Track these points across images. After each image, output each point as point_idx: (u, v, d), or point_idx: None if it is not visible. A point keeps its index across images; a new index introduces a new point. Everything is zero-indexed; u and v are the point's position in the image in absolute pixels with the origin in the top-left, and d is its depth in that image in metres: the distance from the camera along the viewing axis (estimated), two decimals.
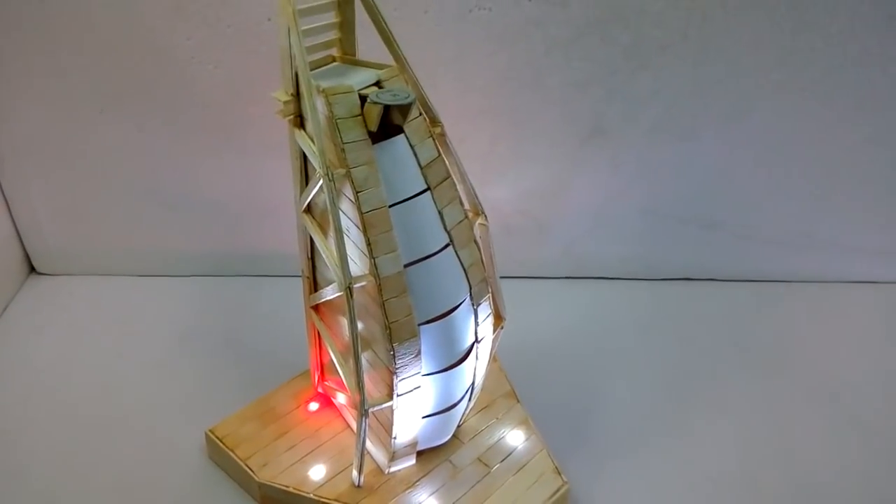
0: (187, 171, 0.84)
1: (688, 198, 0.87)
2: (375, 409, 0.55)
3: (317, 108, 0.50)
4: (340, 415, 0.68)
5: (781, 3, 0.72)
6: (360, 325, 0.57)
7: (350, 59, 0.56)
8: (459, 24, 0.73)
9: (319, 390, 0.70)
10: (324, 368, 0.69)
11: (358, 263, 0.53)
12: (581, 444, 0.70)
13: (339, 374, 0.63)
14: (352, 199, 0.51)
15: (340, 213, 0.52)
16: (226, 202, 0.86)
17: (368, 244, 0.51)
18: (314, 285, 0.63)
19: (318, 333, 0.66)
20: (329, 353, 0.65)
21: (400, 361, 0.53)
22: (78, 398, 0.75)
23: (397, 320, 0.52)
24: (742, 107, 0.79)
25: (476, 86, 0.78)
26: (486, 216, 0.59)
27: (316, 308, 0.64)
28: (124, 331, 0.84)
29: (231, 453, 0.64)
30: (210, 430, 0.66)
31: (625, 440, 0.71)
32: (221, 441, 0.65)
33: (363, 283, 0.52)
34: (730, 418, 0.73)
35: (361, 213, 0.51)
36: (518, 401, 0.70)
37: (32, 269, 0.93)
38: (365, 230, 0.51)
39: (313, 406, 0.69)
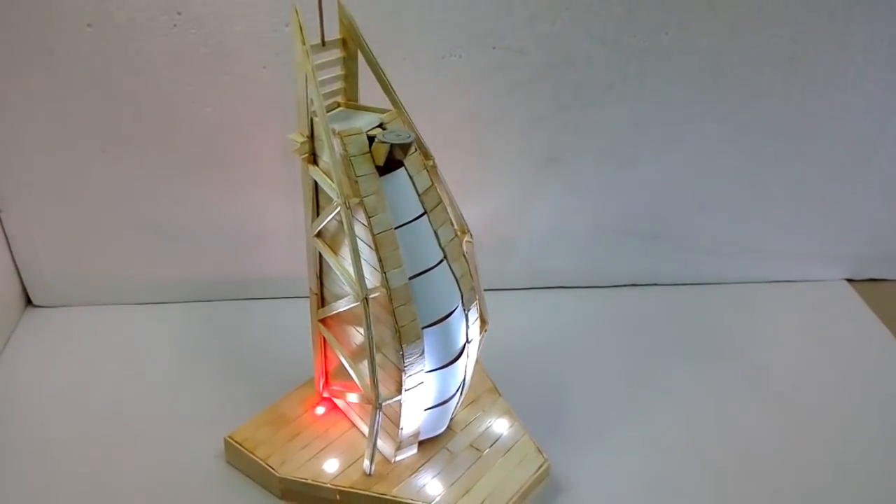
0: (182, 203, 0.91)
1: (631, 214, 0.99)
2: (387, 402, 0.64)
3: (334, 148, 0.59)
4: (345, 416, 0.76)
5: (701, 48, 0.85)
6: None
7: (353, 104, 0.66)
8: (433, 69, 0.84)
9: (324, 395, 0.78)
10: (328, 375, 0.77)
11: (369, 278, 0.63)
12: (554, 429, 0.80)
13: (348, 377, 0.72)
14: (364, 223, 0.60)
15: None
16: (218, 232, 0.93)
17: (380, 260, 0.60)
18: (322, 301, 0.72)
19: (325, 343, 0.75)
20: (338, 360, 0.74)
21: (408, 360, 0.63)
22: (93, 420, 0.80)
23: (405, 325, 0.62)
24: (673, 135, 0.92)
25: (446, 122, 0.88)
26: (471, 234, 0.69)
27: (322, 321, 0.72)
28: (127, 356, 0.89)
29: (251, 455, 0.72)
30: (230, 436, 0.74)
31: (591, 424, 0.81)
32: (241, 445, 0.73)
33: (376, 294, 0.61)
34: (677, 401, 0.85)
35: (374, 235, 0.60)
36: (500, 395, 0.80)
37: (29, 302, 0.98)
38: (377, 249, 0.60)
39: (320, 410, 0.77)
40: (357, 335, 0.68)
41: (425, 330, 0.63)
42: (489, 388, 0.80)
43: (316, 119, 0.61)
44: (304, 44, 0.58)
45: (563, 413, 0.83)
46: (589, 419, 0.82)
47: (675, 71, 0.86)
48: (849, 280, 1.07)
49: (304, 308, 0.97)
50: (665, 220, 1.00)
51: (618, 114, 0.89)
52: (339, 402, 0.77)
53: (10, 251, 0.93)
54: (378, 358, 0.66)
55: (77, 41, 0.78)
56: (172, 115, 0.84)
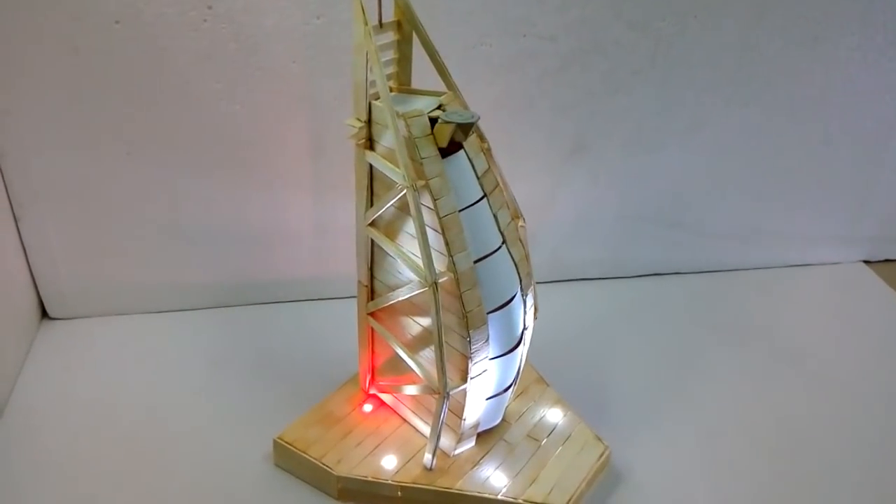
0: (206, 205, 0.88)
1: (654, 202, 0.99)
2: (455, 391, 0.63)
3: (399, 130, 0.58)
4: (395, 412, 0.74)
5: (728, 30, 0.86)
6: (427, 321, 0.65)
7: (406, 88, 0.65)
8: (463, 59, 0.83)
9: (371, 392, 0.76)
10: (375, 371, 0.75)
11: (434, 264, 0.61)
12: (601, 417, 0.79)
13: (399, 371, 0.70)
14: (430, 206, 0.59)
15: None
16: (243, 234, 0.91)
17: (447, 244, 0.59)
18: (371, 293, 0.70)
19: (372, 338, 0.73)
20: (386, 355, 0.72)
21: (474, 347, 0.61)
22: (129, 433, 0.77)
23: (472, 310, 0.61)
24: (698, 120, 0.93)
25: (476, 111, 0.87)
26: (523, 219, 0.69)
27: (371, 314, 0.71)
28: (156, 365, 0.86)
29: (304, 454, 0.69)
30: (279, 437, 0.71)
31: (638, 411, 0.81)
32: (292, 445, 0.70)
33: (445, 279, 0.60)
34: (719, 384, 0.85)
35: (440, 218, 0.59)
36: (548, 385, 0.79)
37: (45, 315, 0.94)
38: (443, 232, 0.59)
39: (367, 407, 0.75)
40: (414, 325, 0.67)
41: (489, 315, 0.62)
42: (536, 378, 0.79)
43: (375, 102, 0.60)
44: (365, 24, 0.57)
45: (608, 402, 0.82)
46: (634, 406, 0.82)
47: (703, 54, 0.87)
48: (866, 262, 1.09)
49: (332, 309, 0.97)
50: (687, 206, 1.01)
51: (645, 100, 0.89)
52: (386, 398, 0.75)
53: (28, 262, 0.89)
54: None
55: (104, 39, 0.76)
56: (199, 114, 0.82)
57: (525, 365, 0.80)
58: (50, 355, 0.88)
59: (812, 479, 0.74)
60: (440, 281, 0.59)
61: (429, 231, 0.60)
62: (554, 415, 0.75)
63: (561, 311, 0.98)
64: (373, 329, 0.71)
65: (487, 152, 0.65)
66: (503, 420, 0.73)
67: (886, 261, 1.09)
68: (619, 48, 0.85)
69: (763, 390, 0.85)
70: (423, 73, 0.66)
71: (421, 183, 0.58)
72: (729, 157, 0.97)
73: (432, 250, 0.60)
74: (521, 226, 0.68)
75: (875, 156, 1.00)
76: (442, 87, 0.64)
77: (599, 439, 0.72)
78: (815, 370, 0.88)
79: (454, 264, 0.59)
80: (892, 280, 1.05)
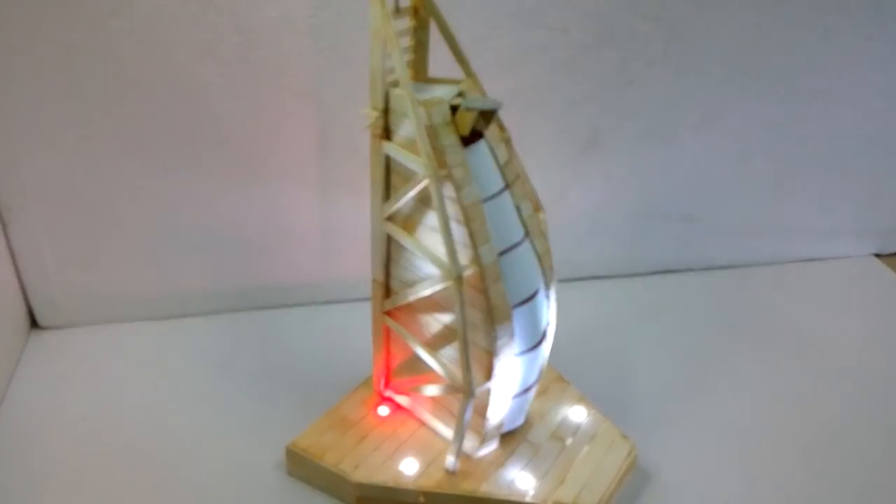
0: (206, 206, 0.85)
1: (666, 198, 0.97)
2: (479, 390, 0.60)
3: (420, 118, 0.55)
4: (412, 414, 0.72)
5: (742, 23, 0.85)
6: (449, 317, 0.63)
7: (422, 77, 0.62)
8: (475, 52, 0.80)
9: (386, 395, 0.73)
10: (390, 372, 0.72)
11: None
12: (624, 416, 0.77)
13: (417, 371, 0.68)
14: (453, 196, 0.56)
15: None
16: (244, 237, 0.88)
17: (471, 236, 0.57)
18: (387, 291, 0.67)
19: (388, 338, 0.70)
20: (402, 355, 0.70)
21: (499, 342, 0.59)
22: (130, 444, 0.73)
23: (497, 304, 0.58)
24: (711, 113, 0.91)
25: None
26: (544, 210, 0.66)
27: (387, 313, 0.68)
28: (156, 374, 0.83)
29: (319, 462, 0.66)
30: (292, 444, 0.68)
31: (661, 409, 0.79)
32: (306, 452, 0.67)
33: (469, 272, 0.57)
34: (742, 380, 0.83)
35: (463, 208, 0.56)
36: (568, 383, 0.76)
37: (35, 324, 0.90)
38: (467, 223, 0.56)
39: (383, 410, 0.72)
40: (434, 323, 0.64)
41: (514, 310, 0.60)
42: (556, 377, 0.77)
43: (393, 90, 0.57)
44: (383, 7, 0.54)
45: (627, 400, 0.80)
46: (654, 404, 0.79)
47: (715, 46, 0.86)
48: (876, 255, 1.08)
49: (339, 313, 0.94)
50: (700, 202, 0.99)
51: (658, 92, 0.88)
52: (402, 400, 0.73)
53: (16, 268, 0.85)
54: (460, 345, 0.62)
55: (99, 33, 0.72)
56: (199, 111, 0.79)
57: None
58: (41, 366, 0.84)
59: (842, 474, 0.72)
60: (465, 274, 0.57)
61: (453, 223, 0.58)
62: (577, 413, 0.72)
63: (574, 310, 0.96)
64: (388, 329, 0.69)
65: (508, 142, 0.62)
66: (525, 420, 0.71)
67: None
68: (632, 40, 0.83)
69: (784, 385, 0.83)
70: (435, 64, 0.63)
71: (443, 172, 0.56)
72: (741, 150, 0.95)
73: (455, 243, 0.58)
74: (543, 218, 0.66)
75: (885, 149, 0.99)
76: (456, 76, 0.62)
77: (626, 437, 0.69)
78: (835, 364, 0.86)
79: (478, 257, 0.57)
80: None
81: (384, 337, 0.70)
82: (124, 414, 0.77)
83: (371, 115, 0.59)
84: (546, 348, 0.66)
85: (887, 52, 0.90)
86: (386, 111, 0.59)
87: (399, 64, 0.55)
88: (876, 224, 1.06)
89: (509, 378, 0.62)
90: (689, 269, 1.04)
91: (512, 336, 0.60)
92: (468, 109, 0.56)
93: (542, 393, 0.74)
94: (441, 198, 0.55)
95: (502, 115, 0.86)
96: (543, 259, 0.63)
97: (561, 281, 0.99)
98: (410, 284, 0.64)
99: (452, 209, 0.57)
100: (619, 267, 1.02)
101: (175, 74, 0.76)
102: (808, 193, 1.01)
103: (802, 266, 1.06)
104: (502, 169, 0.60)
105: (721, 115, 0.91)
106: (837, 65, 0.90)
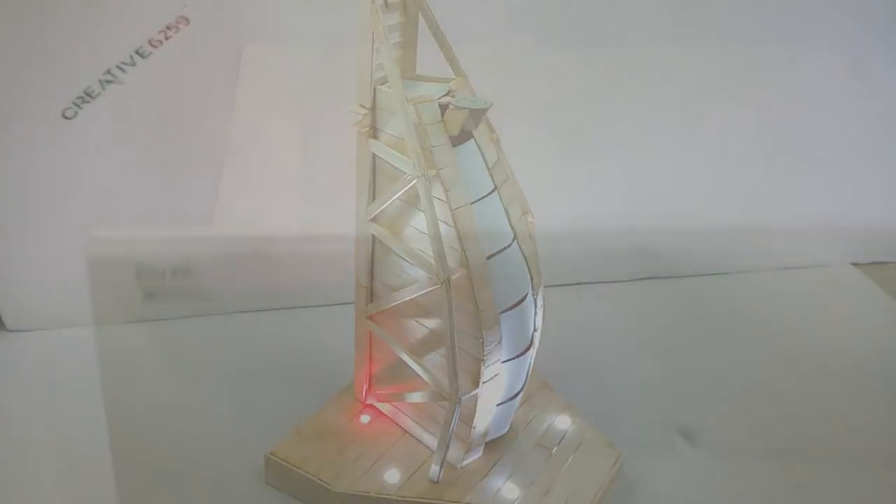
0: (181, 206, 0.83)
1: (650, 201, 0.97)
2: (465, 397, 0.59)
3: (409, 115, 0.54)
4: (394, 422, 0.70)
5: (726, 28, 0.85)
6: (434, 322, 0.61)
7: (410, 75, 0.61)
8: (459, 51, 0.80)
9: (368, 402, 0.71)
10: (373, 379, 0.70)
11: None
12: (605, 423, 0.76)
13: (401, 378, 0.66)
14: (441, 197, 0.55)
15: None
16: (224, 234, 0.86)
17: (459, 238, 0.55)
18: (371, 295, 0.66)
19: (371, 344, 0.68)
20: (385, 361, 0.68)
21: (487, 348, 0.57)
22: (97, 449, 0.70)
23: (485, 309, 0.57)
24: (695, 118, 0.91)
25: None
26: (532, 214, 0.65)
27: (371, 317, 0.66)
28: (126, 378, 0.79)
29: (300, 471, 0.64)
30: (271, 453, 0.66)
31: (645, 417, 0.78)
32: (286, 461, 0.65)
33: (458, 275, 0.56)
34: (717, 386, 0.83)
35: (452, 210, 0.55)
36: (552, 390, 0.75)
37: (1, 326, 0.86)
38: (455, 225, 0.55)
39: (365, 418, 0.70)
40: (420, 328, 0.62)
41: (502, 315, 0.58)
42: (540, 384, 0.76)
43: (381, 87, 0.56)
44: (372, 1, 0.53)
45: (608, 407, 0.78)
46: (636, 412, 0.78)
47: (700, 51, 0.86)
48: (854, 264, 1.09)
49: (319, 317, 0.91)
50: (682, 208, 0.98)
51: (644, 97, 0.87)
52: (384, 408, 0.71)
53: None
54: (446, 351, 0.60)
55: (74, 23, 0.70)
56: (175, 108, 0.77)
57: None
58: (7, 371, 0.80)
59: (822, 482, 0.71)
60: (454, 277, 0.55)
61: (441, 225, 0.56)
62: (563, 421, 0.71)
63: (558, 316, 0.95)
64: (371, 334, 0.67)
65: (496, 143, 0.61)
66: (510, 429, 0.69)
67: (874, 263, 1.09)
68: (620, 40, 0.83)
69: (767, 393, 0.83)
70: (422, 62, 0.62)
71: (433, 172, 0.54)
72: (720, 156, 0.95)
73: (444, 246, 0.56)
74: (531, 221, 0.65)
75: (860, 157, 1.00)
76: (444, 75, 0.61)
77: (612, 445, 0.68)
78: (816, 372, 0.86)
79: (467, 260, 0.55)
80: (881, 281, 1.05)
81: (367, 342, 0.68)
82: (94, 420, 0.73)
83: (359, 112, 0.57)
84: (532, 355, 0.65)
85: (865, 61, 0.90)
86: (372, 109, 0.57)
87: (388, 60, 0.53)
88: (853, 233, 1.06)
89: (496, 385, 0.61)
90: (672, 276, 1.04)
91: (500, 341, 0.58)
92: (458, 108, 0.54)
93: (527, 400, 0.73)
94: (430, 198, 0.54)
95: (489, 116, 0.85)
96: (531, 263, 0.62)
97: (545, 286, 1.00)
98: (395, 288, 0.62)
99: (441, 210, 0.55)
100: (602, 273, 1.01)
101: (150, 70, 0.74)
102: (787, 201, 1.01)
103: (779, 273, 1.06)
104: (491, 170, 0.59)
105: (703, 120, 0.91)
106: (816, 74, 0.91)
